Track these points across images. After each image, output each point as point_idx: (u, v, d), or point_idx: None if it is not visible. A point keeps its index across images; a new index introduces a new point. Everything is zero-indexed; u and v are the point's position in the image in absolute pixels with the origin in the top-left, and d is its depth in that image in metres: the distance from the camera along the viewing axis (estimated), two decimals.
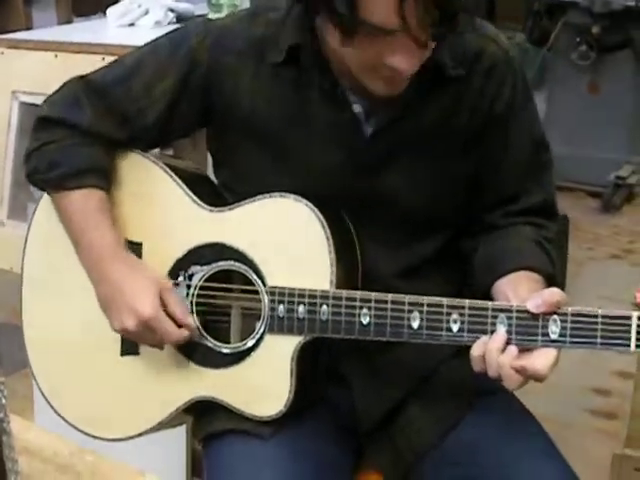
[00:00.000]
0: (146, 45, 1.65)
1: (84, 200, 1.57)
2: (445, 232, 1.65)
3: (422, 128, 1.55)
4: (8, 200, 2.66)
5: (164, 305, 1.53)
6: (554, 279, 1.52)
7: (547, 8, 5.26)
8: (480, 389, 1.65)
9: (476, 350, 1.39)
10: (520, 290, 1.45)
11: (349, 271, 1.52)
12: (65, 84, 1.66)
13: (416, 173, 1.57)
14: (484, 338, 1.38)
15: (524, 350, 1.37)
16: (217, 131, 1.64)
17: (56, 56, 2.48)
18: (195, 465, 2.55)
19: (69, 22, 4.68)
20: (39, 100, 1.70)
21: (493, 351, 1.37)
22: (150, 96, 1.59)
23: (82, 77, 1.65)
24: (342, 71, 1.50)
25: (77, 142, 1.59)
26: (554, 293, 1.36)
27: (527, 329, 1.37)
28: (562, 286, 1.45)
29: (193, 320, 1.55)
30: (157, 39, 1.65)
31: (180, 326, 1.53)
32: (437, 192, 1.59)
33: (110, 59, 1.71)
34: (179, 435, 2.47)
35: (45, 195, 1.67)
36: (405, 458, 1.63)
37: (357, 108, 1.54)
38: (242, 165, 1.62)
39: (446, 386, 1.66)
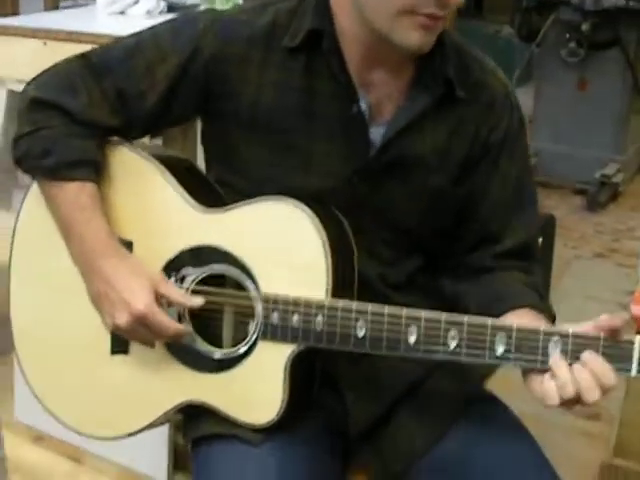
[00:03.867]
0: (147, 29, 1.64)
1: (75, 192, 1.56)
2: (428, 254, 1.67)
3: (425, 146, 1.57)
4: None
5: (159, 300, 1.52)
6: (555, 320, 1.53)
7: (537, 4, 5.28)
8: (469, 397, 1.66)
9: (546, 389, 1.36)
10: (532, 320, 1.45)
11: (346, 280, 1.51)
12: (59, 64, 1.62)
13: (412, 187, 1.59)
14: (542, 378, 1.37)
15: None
16: (214, 121, 1.62)
17: (45, 44, 2.48)
18: (177, 459, 2.55)
19: (56, 6, 4.63)
20: None
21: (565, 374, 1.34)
22: (152, 77, 1.58)
23: (81, 56, 1.62)
24: (357, 61, 1.53)
25: (72, 132, 1.56)
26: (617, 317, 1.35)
27: (527, 349, 1.36)
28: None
29: (194, 298, 1.54)
30: (159, 24, 1.64)
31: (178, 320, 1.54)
32: (428, 211, 1.61)
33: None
34: (162, 430, 2.47)
35: (35, 185, 1.65)
36: (394, 464, 1.63)
37: (363, 105, 1.54)
38: (239, 158, 1.60)
39: (436, 394, 1.66)
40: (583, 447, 2.92)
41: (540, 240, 3.70)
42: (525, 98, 5.77)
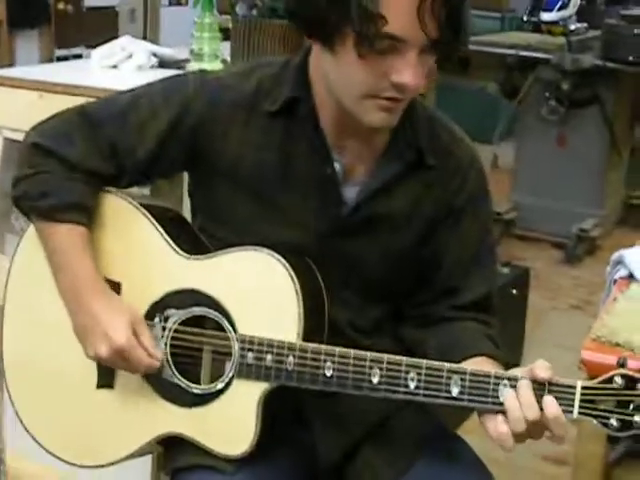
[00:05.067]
0: (141, 87, 1.73)
1: (68, 234, 1.64)
2: (393, 303, 1.75)
3: (395, 207, 1.66)
4: None
5: (136, 336, 1.61)
6: (508, 367, 1.58)
7: (519, 63, 5.33)
8: (434, 435, 1.73)
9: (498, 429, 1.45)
10: (486, 367, 1.51)
11: (316, 324, 1.59)
12: (59, 114, 1.72)
13: (381, 245, 1.67)
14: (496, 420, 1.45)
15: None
16: (201, 176, 1.71)
17: (40, 96, 2.54)
18: None
19: (51, 55, 4.72)
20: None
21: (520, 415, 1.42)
22: (142, 134, 1.66)
23: (79, 108, 1.71)
24: (331, 125, 1.62)
25: (68, 177, 1.65)
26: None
27: (479, 391, 1.45)
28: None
29: (160, 352, 1.63)
30: (152, 83, 1.73)
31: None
32: (394, 266, 1.69)
33: (94, 100, 1.77)
34: (145, 462, 2.47)
35: (30, 228, 1.73)
36: None
37: (337, 166, 1.64)
38: (222, 211, 1.69)
39: (401, 430, 1.74)
40: None
41: (514, 291, 3.82)
42: (507, 153, 5.86)
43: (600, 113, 5.34)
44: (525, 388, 1.42)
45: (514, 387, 1.43)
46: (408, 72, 1.46)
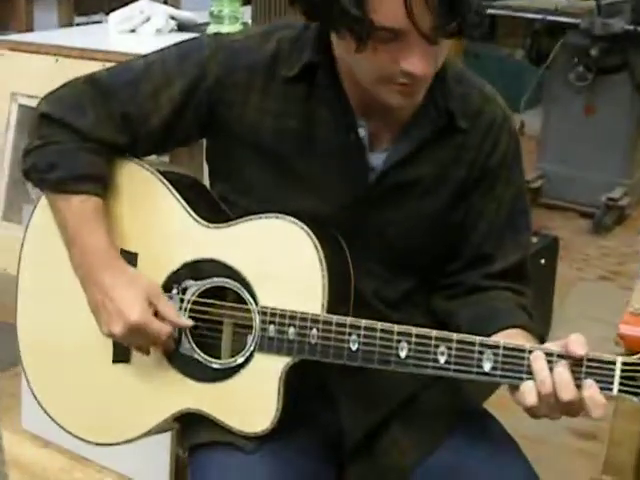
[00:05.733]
0: (154, 52, 1.67)
1: (81, 205, 1.59)
2: (423, 274, 1.69)
3: (424, 173, 1.60)
4: (4, 201, 2.68)
5: (154, 311, 1.56)
6: (543, 340, 1.53)
7: (547, 28, 5.27)
8: (462, 411, 1.69)
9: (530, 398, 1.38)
10: (520, 341, 1.46)
11: (341, 296, 1.54)
12: (69, 83, 1.67)
13: (409, 214, 1.61)
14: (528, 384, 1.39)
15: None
16: (219, 143, 1.65)
17: (57, 60, 2.51)
18: (179, 471, 2.56)
19: (70, 21, 4.68)
20: None
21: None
22: (156, 101, 1.61)
23: (90, 77, 1.66)
24: (354, 91, 1.55)
25: (78, 147, 1.60)
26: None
27: (512, 366, 1.39)
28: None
29: (186, 319, 1.58)
30: (166, 47, 1.67)
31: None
32: (424, 234, 1.63)
33: (110, 66, 1.72)
34: (163, 441, 2.49)
35: (43, 199, 1.69)
36: (388, 477, 1.65)
37: (362, 132, 1.57)
38: (242, 178, 1.63)
39: (429, 407, 1.69)
40: (577, 465, 2.94)
41: (542, 261, 3.73)
42: (534, 121, 5.79)
43: (630, 80, 5.25)
44: (562, 367, 1.36)
45: (550, 363, 1.37)
46: (414, 60, 1.39)
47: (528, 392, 1.38)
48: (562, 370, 1.35)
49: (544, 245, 3.74)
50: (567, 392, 1.35)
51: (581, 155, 5.45)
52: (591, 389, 1.34)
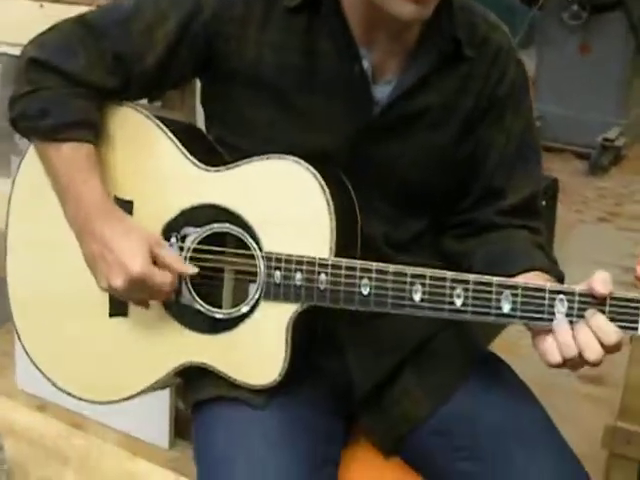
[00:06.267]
0: None
1: (72, 153, 1.53)
2: (433, 213, 1.65)
3: (431, 103, 1.56)
4: None
5: (155, 261, 1.50)
6: (563, 280, 1.51)
7: None
8: (474, 359, 1.65)
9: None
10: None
11: (349, 239, 1.49)
12: (57, 25, 1.60)
13: (418, 146, 1.57)
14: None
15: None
16: (216, 83, 1.60)
17: (41, 6, 2.44)
18: (179, 426, 2.54)
19: None
20: None
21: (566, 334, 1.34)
22: (150, 39, 1.55)
23: (79, 18, 1.59)
24: (358, 19, 1.51)
25: (70, 92, 1.54)
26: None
27: (533, 307, 1.35)
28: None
29: (190, 266, 1.53)
30: None
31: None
32: (433, 168, 1.60)
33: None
34: (163, 396, 2.47)
35: (31, 149, 1.63)
36: (399, 428, 1.62)
37: (366, 64, 1.53)
38: (241, 118, 1.58)
39: (440, 356, 1.65)
40: (587, 411, 2.94)
41: (543, 203, 3.68)
42: (527, 62, 5.74)
43: (625, 17, 5.23)
44: (585, 328, 1.33)
45: (571, 303, 1.33)
46: None
47: (551, 353, 1.35)
48: (586, 332, 1.32)
49: (544, 187, 3.70)
50: (592, 353, 1.31)
51: (576, 95, 5.48)
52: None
